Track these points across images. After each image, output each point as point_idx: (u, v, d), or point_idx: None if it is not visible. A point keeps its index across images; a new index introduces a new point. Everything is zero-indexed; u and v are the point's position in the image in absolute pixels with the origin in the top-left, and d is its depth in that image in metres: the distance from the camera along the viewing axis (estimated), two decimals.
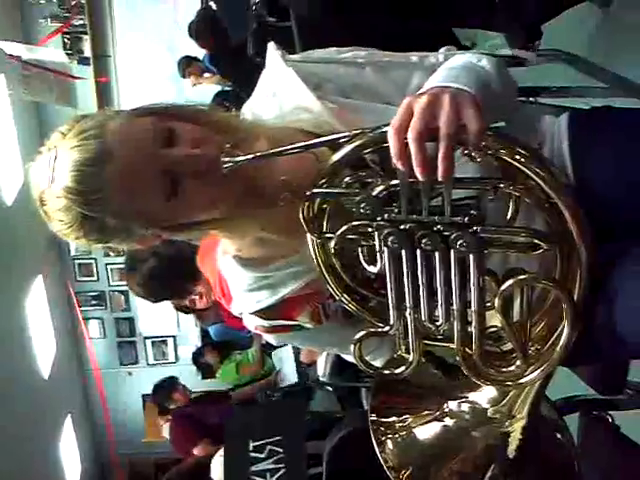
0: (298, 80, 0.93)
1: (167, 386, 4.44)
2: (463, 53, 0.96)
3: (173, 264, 2.20)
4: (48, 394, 5.12)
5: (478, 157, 0.69)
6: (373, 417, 0.87)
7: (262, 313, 0.96)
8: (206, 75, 4.61)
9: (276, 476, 2.56)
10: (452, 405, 0.85)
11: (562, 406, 1.36)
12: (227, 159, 0.79)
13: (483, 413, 0.83)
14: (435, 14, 1.53)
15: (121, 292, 5.81)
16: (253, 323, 0.99)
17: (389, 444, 0.84)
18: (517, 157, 0.70)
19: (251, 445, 2.67)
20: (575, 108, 1.06)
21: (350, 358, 1.10)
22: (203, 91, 4.65)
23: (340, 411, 3.04)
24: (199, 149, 0.83)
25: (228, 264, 0.98)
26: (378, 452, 0.83)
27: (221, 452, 3.16)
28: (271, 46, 0.99)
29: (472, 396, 0.84)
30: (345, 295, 0.83)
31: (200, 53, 4.42)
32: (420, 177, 0.68)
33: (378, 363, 0.93)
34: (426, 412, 0.86)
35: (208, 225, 0.90)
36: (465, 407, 0.84)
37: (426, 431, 0.85)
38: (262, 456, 2.63)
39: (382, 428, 0.85)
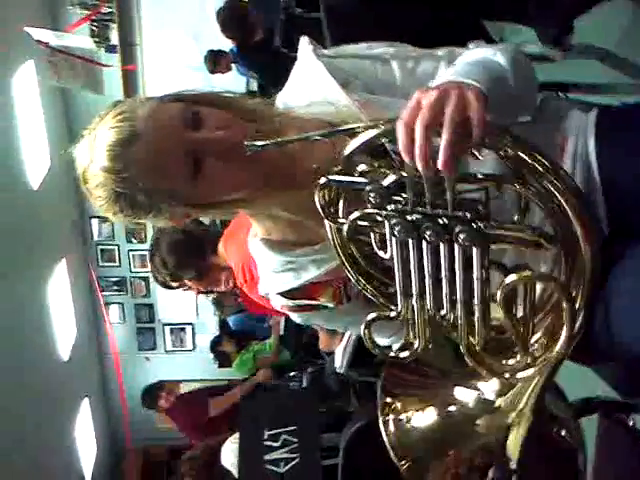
0: (327, 73, 0.96)
1: (152, 391, 4.51)
2: (481, 46, 0.97)
3: (194, 239, 2.22)
4: (67, 377, 5.19)
5: (481, 154, 0.71)
6: (383, 400, 0.89)
7: (287, 293, 1.01)
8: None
9: (290, 465, 2.58)
10: (459, 391, 0.87)
11: (582, 406, 1.34)
12: (249, 143, 0.83)
13: (489, 403, 0.84)
14: (466, 6, 1.51)
15: (142, 278, 5.88)
16: (279, 302, 1.03)
17: (395, 427, 0.87)
18: (523, 157, 0.71)
19: (266, 434, 2.70)
20: (605, 105, 1.05)
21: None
22: (230, 81, 4.66)
23: (356, 404, 3.04)
24: (223, 132, 0.88)
25: (257, 246, 1.03)
26: (383, 434, 0.85)
27: (232, 438, 3.18)
28: (304, 40, 1.02)
29: (480, 385, 0.85)
30: (361, 279, 0.86)
31: (226, 44, 4.42)
32: (421, 170, 0.69)
33: (396, 346, 0.95)
34: (433, 397, 0.89)
35: (233, 205, 0.96)
36: (472, 395, 0.86)
37: (431, 417, 0.87)
38: (276, 445, 2.65)
39: (388, 409, 0.88)
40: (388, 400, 0.89)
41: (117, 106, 0.91)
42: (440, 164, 0.68)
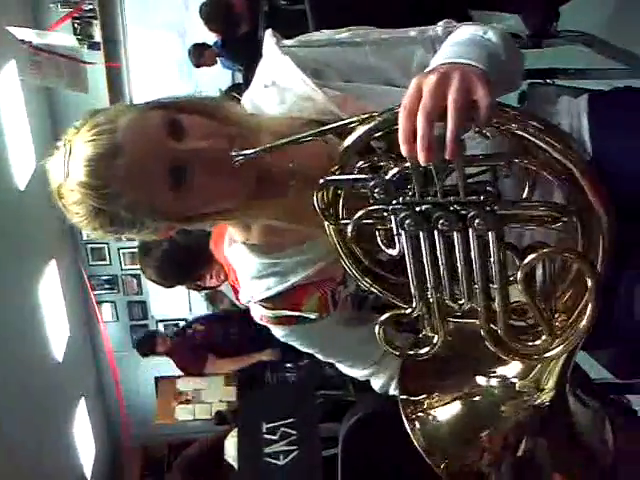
0: (295, 68, 0.92)
1: (146, 341, 4.59)
2: (466, 25, 0.93)
3: (187, 248, 2.21)
4: (62, 377, 5.17)
5: (490, 134, 0.69)
6: (403, 397, 0.87)
7: (269, 302, 0.96)
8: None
9: (290, 457, 2.59)
10: (480, 380, 0.85)
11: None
12: (236, 153, 0.80)
13: (511, 387, 0.83)
14: None
15: (133, 276, 5.85)
16: (259, 313, 0.98)
17: (421, 424, 0.84)
18: (531, 130, 0.69)
19: (264, 427, 2.71)
20: (595, 89, 1.05)
21: (351, 372, 1.08)
22: (215, 75, 4.63)
23: (353, 394, 3.05)
24: (208, 142, 0.84)
25: (237, 251, 0.98)
26: (409, 431, 0.83)
27: (234, 432, 3.19)
28: (267, 33, 0.98)
29: (500, 370, 0.84)
30: (367, 278, 0.83)
31: (211, 38, 4.39)
32: (422, 162, 0.67)
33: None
34: (455, 389, 0.86)
35: (220, 216, 0.91)
36: (493, 382, 0.84)
37: (457, 408, 0.85)
38: (275, 438, 2.66)
39: (413, 408, 0.85)
40: (409, 399, 0.87)
41: (93, 117, 0.86)
42: (448, 154, 0.65)
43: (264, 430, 2.71)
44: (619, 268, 0.75)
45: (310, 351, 1.04)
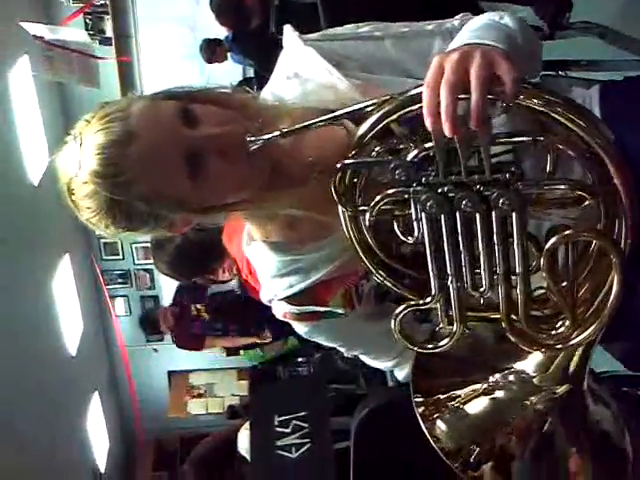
0: (320, 58, 0.92)
1: (149, 324, 4.63)
2: (487, 14, 0.93)
3: (199, 243, 2.22)
4: (75, 371, 5.21)
5: (515, 111, 0.68)
6: (418, 399, 0.85)
7: (293, 299, 0.94)
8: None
9: (301, 450, 2.60)
10: (498, 377, 0.84)
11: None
12: (252, 138, 0.78)
13: (530, 382, 0.81)
14: None
15: (146, 270, 5.88)
16: (282, 310, 0.97)
17: (438, 424, 0.83)
18: (557, 109, 0.68)
19: (276, 420, 2.72)
20: (607, 80, 1.04)
21: (375, 363, 1.09)
22: (227, 70, 4.63)
23: (365, 387, 3.06)
24: (222, 128, 0.82)
25: (257, 249, 0.97)
26: (427, 434, 0.81)
27: (247, 425, 3.21)
28: (287, 27, 0.98)
29: (517, 365, 0.83)
30: (380, 271, 0.81)
31: (221, 32, 4.39)
32: (448, 133, 0.66)
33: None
34: (472, 387, 0.84)
35: (237, 207, 0.89)
36: (511, 377, 0.83)
37: (475, 406, 0.84)
38: (287, 431, 2.67)
39: (429, 408, 0.84)
40: (424, 399, 0.85)
41: (104, 108, 0.84)
42: (473, 123, 0.65)
43: (276, 423, 2.72)
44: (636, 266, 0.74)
45: (334, 345, 1.03)
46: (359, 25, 0.98)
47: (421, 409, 0.84)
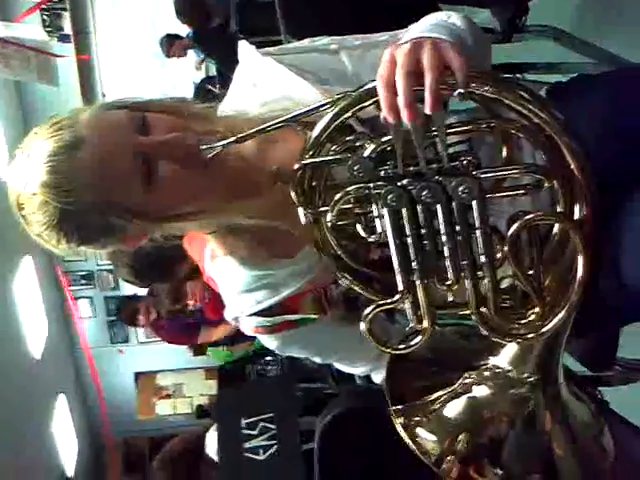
0: (279, 66, 0.91)
1: (127, 312, 4.17)
2: (436, 13, 0.94)
3: (160, 246, 2.19)
4: (40, 374, 5.12)
5: (468, 98, 0.68)
6: (395, 406, 0.83)
7: (263, 313, 0.93)
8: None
9: (269, 452, 2.60)
10: (473, 375, 0.83)
11: None
12: (207, 146, 0.77)
13: (506, 376, 0.81)
14: None
15: (109, 271, 5.79)
16: (251, 325, 0.95)
17: (418, 430, 0.81)
18: (508, 94, 0.68)
19: (243, 422, 2.70)
20: (554, 82, 1.06)
21: (351, 370, 1.08)
22: (189, 67, 4.59)
23: (333, 387, 3.06)
24: (176, 135, 0.81)
25: (223, 265, 0.95)
26: (409, 441, 0.80)
27: (215, 427, 3.19)
28: (242, 43, 0.98)
29: (492, 361, 0.82)
30: (347, 274, 0.80)
31: (183, 30, 4.34)
32: (407, 119, 0.66)
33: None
34: (448, 388, 0.84)
35: (194, 217, 0.86)
36: (487, 374, 0.82)
37: (454, 407, 0.82)
38: (255, 433, 2.66)
39: (407, 416, 0.82)
40: (401, 407, 0.83)
41: (52, 118, 0.82)
42: (428, 107, 0.65)
43: (243, 425, 2.71)
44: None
45: (308, 355, 1.02)
46: (314, 39, 0.98)
47: (400, 419, 0.82)
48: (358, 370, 1.08)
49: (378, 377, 1.07)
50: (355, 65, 0.94)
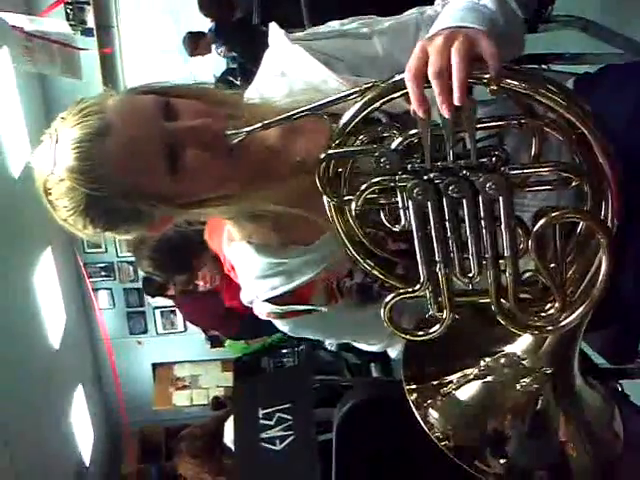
0: (307, 56, 0.91)
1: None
2: None
3: (181, 236, 2.21)
4: (59, 365, 5.18)
5: (499, 93, 0.67)
6: (410, 386, 0.85)
7: (275, 299, 0.94)
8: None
9: (285, 442, 2.61)
10: (489, 361, 0.84)
11: None
12: (232, 131, 0.77)
13: (521, 364, 0.82)
14: None
15: (129, 263, 5.85)
16: (264, 310, 0.97)
17: (431, 411, 0.83)
18: (540, 90, 0.68)
19: (260, 412, 2.72)
20: (583, 73, 1.05)
21: (364, 346, 1.11)
22: (210, 61, 4.60)
23: (349, 379, 3.07)
24: (202, 120, 0.81)
25: (239, 250, 0.96)
26: (421, 421, 0.81)
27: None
28: (273, 25, 0.97)
29: (508, 349, 0.83)
30: (368, 261, 0.81)
31: (205, 23, 4.36)
32: (446, 114, 0.66)
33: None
34: (463, 372, 0.85)
35: (219, 202, 0.87)
36: (502, 361, 0.83)
37: (467, 391, 0.84)
38: (271, 423, 2.67)
39: (421, 396, 0.84)
40: (416, 387, 0.85)
41: (79, 103, 0.82)
42: (456, 99, 0.64)
43: (260, 415, 2.73)
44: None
45: (321, 337, 1.03)
46: (343, 22, 0.97)
47: (413, 396, 0.84)
48: (373, 347, 1.09)
49: (394, 352, 1.09)
50: (388, 51, 0.94)
